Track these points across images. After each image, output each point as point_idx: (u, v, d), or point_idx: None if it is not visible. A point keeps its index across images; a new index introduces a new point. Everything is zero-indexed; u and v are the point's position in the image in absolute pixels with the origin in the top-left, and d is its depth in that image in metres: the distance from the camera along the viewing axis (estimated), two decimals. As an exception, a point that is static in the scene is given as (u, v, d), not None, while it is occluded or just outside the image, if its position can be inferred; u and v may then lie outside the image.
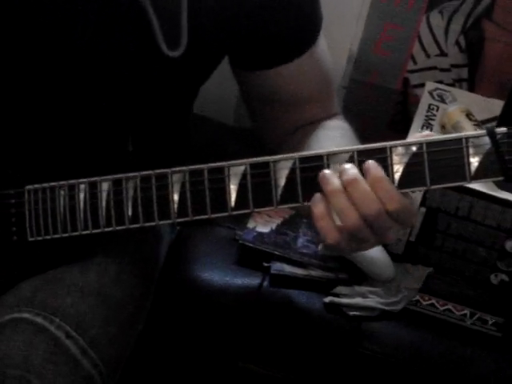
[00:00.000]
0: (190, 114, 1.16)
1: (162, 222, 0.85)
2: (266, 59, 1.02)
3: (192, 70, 0.99)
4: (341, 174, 0.77)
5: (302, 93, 1.08)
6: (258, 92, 1.08)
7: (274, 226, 1.37)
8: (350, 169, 0.77)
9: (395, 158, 0.76)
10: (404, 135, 1.34)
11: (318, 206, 0.78)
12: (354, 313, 1.25)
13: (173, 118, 1.09)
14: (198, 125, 1.27)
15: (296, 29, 1.00)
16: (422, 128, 1.34)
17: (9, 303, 0.98)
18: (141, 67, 0.94)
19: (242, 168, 0.80)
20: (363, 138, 1.59)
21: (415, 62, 1.55)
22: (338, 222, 0.78)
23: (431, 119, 1.39)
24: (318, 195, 0.78)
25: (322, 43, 1.06)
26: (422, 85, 1.50)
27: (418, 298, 1.28)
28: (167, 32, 0.87)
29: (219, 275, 1.28)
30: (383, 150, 0.76)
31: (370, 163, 0.76)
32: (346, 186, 0.76)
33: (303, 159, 0.78)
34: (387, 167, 0.76)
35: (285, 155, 0.79)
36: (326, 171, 0.77)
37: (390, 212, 0.76)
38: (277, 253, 1.30)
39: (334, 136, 1.04)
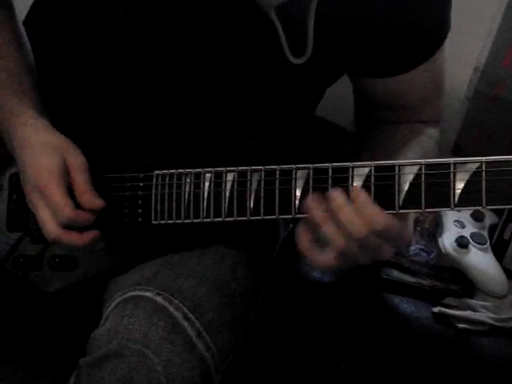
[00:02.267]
0: (312, 116, 1.17)
1: (282, 217, 0.86)
2: (390, 67, 1.02)
3: (316, 76, 1.00)
4: (328, 201, 0.81)
5: (415, 100, 1.07)
6: (373, 97, 1.08)
7: (387, 232, 1.37)
8: (338, 196, 0.81)
9: None
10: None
11: (302, 239, 0.85)
12: (463, 325, 1.23)
13: (295, 119, 1.11)
14: (318, 127, 1.29)
15: (423, 37, 0.99)
16: (547, 144, 1.31)
17: (132, 281, 1.03)
18: (267, 73, 0.97)
19: (367, 170, 0.81)
20: (485, 152, 1.58)
21: (544, 78, 1.51)
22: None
23: (557, 136, 1.36)
24: (299, 229, 0.85)
25: (443, 52, 1.05)
26: (549, 101, 1.46)
27: (530, 316, 1.25)
28: (293, 40, 0.88)
29: (329, 275, 1.29)
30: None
31: (358, 188, 0.81)
32: (335, 213, 0.80)
33: (430, 166, 0.79)
34: None
35: (411, 160, 0.80)
36: (311, 201, 0.82)
37: (377, 232, 0.80)
38: (388, 258, 1.30)
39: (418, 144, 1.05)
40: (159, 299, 0.99)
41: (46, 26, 1.06)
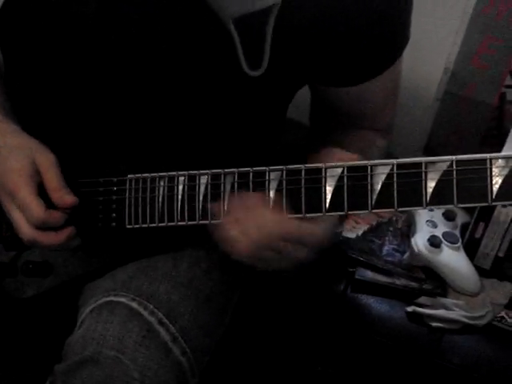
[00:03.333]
0: (281, 122, 1.16)
1: (257, 218, 0.86)
2: (349, 77, 1.01)
3: (274, 87, 0.99)
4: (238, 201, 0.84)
5: (373, 108, 1.07)
6: (331, 105, 1.08)
7: (360, 233, 1.38)
8: (250, 197, 0.84)
9: (495, 170, 0.76)
10: (499, 151, 1.32)
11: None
12: (437, 324, 1.25)
13: (261, 127, 1.10)
14: (291, 129, 1.29)
15: (383, 47, 0.98)
16: (517, 144, 1.32)
17: (106, 287, 1.03)
18: (224, 83, 0.96)
19: (339, 170, 0.81)
20: (456, 152, 1.60)
21: (513, 78, 1.53)
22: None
23: (527, 136, 1.37)
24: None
25: (401, 61, 1.03)
26: (519, 101, 1.48)
27: (503, 314, 1.27)
28: (250, 52, 0.87)
29: (303, 277, 1.30)
30: (483, 161, 0.76)
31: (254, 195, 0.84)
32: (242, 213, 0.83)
33: (401, 165, 0.79)
34: (486, 179, 0.76)
35: (383, 160, 0.80)
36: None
37: (283, 237, 0.83)
38: (362, 259, 1.31)
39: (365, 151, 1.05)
40: (134, 304, 0.99)
41: (14, 28, 1.05)
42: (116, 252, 1.03)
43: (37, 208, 0.89)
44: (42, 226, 0.91)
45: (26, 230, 0.91)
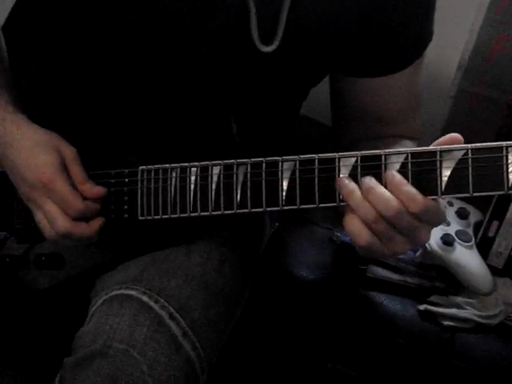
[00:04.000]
0: (295, 113, 1.16)
1: (269, 209, 0.86)
2: (371, 67, 1.01)
3: (286, 69, 0.98)
4: (360, 184, 0.79)
5: (392, 110, 1.06)
6: (351, 101, 1.07)
7: (372, 230, 1.37)
8: (369, 179, 0.79)
9: (511, 158, 0.75)
10: (511, 148, 1.32)
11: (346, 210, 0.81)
12: (449, 323, 1.23)
13: (277, 113, 1.09)
14: (302, 125, 1.28)
15: (404, 42, 0.98)
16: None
17: (117, 280, 1.02)
18: (233, 58, 0.95)
19: (353, 160, 0.81)
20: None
21: (527, 75, 1.52)
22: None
23: (540, 134, 1.36)
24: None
25: (422, 66, 1.04)
26: (533, 99, 1.47)
27: (516, 313, 1.25)
28: (263, 27, 0.86)
29: (315, 274, 1.29)
30: (499, 148, 0.75)
31: (390, 173, 0.78)
32: (366, 193, 0.78)
33: (416, 154, 0.78)
34: (502, 166, 0.74)
35: (397, 149, 0.79)
36: (343, 178, 0.80)
37: (412, 213, 0.77)
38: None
39: None
40: (145, 298, 0.98)
41: (26, 31, 1.05)
42: (128, 244, 1.03)
43: (75, 199, 0.91)
44: (80, 217, 0.92)
45: (61, 223, 0.91)
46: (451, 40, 1.50)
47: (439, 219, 0.80)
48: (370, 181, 0.79)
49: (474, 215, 1.38)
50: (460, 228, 1.33)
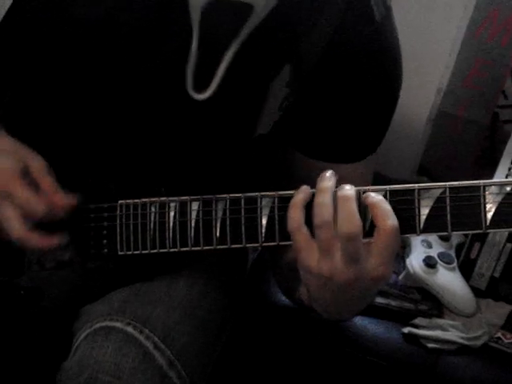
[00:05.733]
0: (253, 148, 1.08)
1: (249, 245, 0.86)
2: (322, 151, 0.97)
3: (219, 114, 0.93)
4: (339, 188, 0.77)
5: None
6: (296, 172, 1.02)
7: (355, 254, 1.37)
8: (349, 188, 0.77)
9: (488, 197, 0.75)
10: (492, 171, 1.33)
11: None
12: (433, 345, 1.24)
13: (229, 153, 1.03)
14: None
15: (365, 131, 0.96)
16: (511, 165, 1.32)
17: (101, 311, 1.03)
18: (165, 104, 0.94)
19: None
20: (449, 171, 1.61)
21: (506, 98, 1.53)
22: None
23: (520, 156, 1.37)
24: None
25: (375, 158, 1.00)
26: (512, 121, 1.49)
27: (499, 335, 1.26)
28: (200, 72, 0.83)
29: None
30: (476, 187, 0.76)
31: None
32: (338, 201, 0.76)
33: (394, 192, 0.78)
34: (480, 205, 0.75)
35: (376, 187, 0.79)
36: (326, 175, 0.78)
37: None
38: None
39: None
40: (129, 329, 0.99)
41: (10, 47, 1.05)
42: (111, 275, 1.03)
43: (37, 200, 0.88)
44: (43, 220, 0.89)
45: (18, 226, 0.89)
46: (430, 64, 1.52)
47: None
48: (348, 191, 0.77)
49: (456, 237, 1.39)
50: (442, 250, 1.35)
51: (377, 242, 0.76)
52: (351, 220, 0.75)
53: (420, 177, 1.64)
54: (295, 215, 0.79)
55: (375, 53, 0.91)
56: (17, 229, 0.89)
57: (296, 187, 0.82)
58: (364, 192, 0.79)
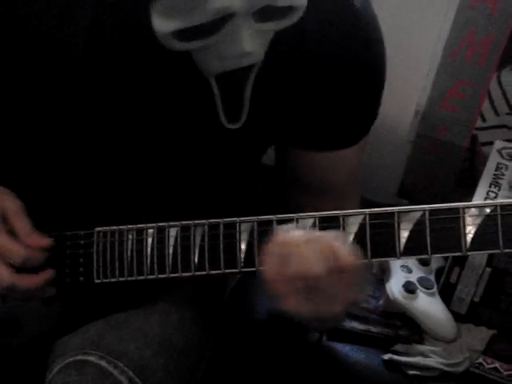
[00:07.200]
0: (256, 169, 1.15)
1: (228, 271, 0.85)
2: (320, 141, 1.01)
3: (250, 140, 0.98)
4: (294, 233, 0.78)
5: (336, 183, 1.06)
6: (295, 171, 1.07)
7: (334, 279, 1.36)
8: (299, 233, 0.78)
9: (468, 219, 0.75)
10: (471, 193, 1.33)
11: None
12: (414, 372, 1.22)
13: (238, 175, 1.09)
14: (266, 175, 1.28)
15: (358, 118, 1.00)
16: (490, 186, 1.32)
17: (75, 344, 1.00)
18: (200, 134, 0.96)
19: (311, 221, 0.80)
20: (429, 193, 1.61)
21: (484, 120, 1.53)
22: None
23: (500, 178, 1.37)
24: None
25: (367, 140, 1.05)
26: (491, 143, 1.48)
27: (480, 360, 1.24)
28: (229, 107, 0.87)
29: (278, 326, 1.27)
30: (456, 210, 0.75)
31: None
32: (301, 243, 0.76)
33: (373, 215, 0.78)
34: (459, 228, 0.74)
35: (355, 210, 0.79)
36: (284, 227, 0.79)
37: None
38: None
39: None
40: (103, 363, 0.95)
41: None
42: (85, 307, 1.00)
43: (16, 246, 0.88)
44: (23, 266, 0.89)
45: (5, 274, 0.88)
46: (408, 86, 1.52)
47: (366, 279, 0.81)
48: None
49: (436, 261, 1.38)
50: (422, 275, 1.33)
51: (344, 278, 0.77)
52: (308, 263, 0.75)
53: (400, 199, 1.63)
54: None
55: (356, 38, 0.94)
56: (3, 276, 0.89)
57: (275, 212, 0.82)
58: (343, 216, 0.79)
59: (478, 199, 1.29)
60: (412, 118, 1.57)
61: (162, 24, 0.74)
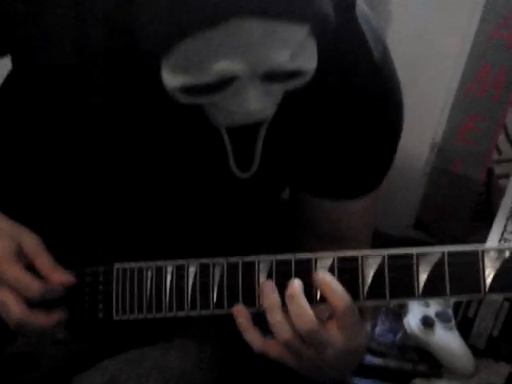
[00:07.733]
0: (272, 210, 1.15)
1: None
2: (335, 190, 1.01)
3: (262, 187, 0.99)
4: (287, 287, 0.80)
5: (349, 232, 1.06)
6: (309, 218, 1.07)
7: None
8: (294, 285, 0.80)
9: (487, 263, 0.74)
10: (488, 226, 1.32)
11: (242, 317, 0.83)
12: (432, 407, 1.22)
13: (253, 218, 1.10)
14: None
15: (371, 169, 1.00)
16: (507, 220, 1.31)
17: (93, 381, 1.00)
18: (212, 183, 0.97)
19: (330, 261, 0.80)
20: (445, 226, 1.60)
21: (500, 153, 1.53)
22: None
23: (517, 211, 1.37)
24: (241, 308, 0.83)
25: (379, 191, 1.05)
26: (507, 176, 1.47)
27: (499, 395, 1.24)
28: (240, 157, 0.88)
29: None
30: (475, 253, 0.75)
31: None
32: (287, 301, 0.80)
33: (392, 257, 0.78)
34: (479, 270, 0.74)
35: (374, 250, 0.79)
36: (267, 283, 0.82)
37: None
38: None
39: None
40: None
41: (10, 109, 1.05)
42: (103, 343, 1.00)
43: (33, 280, 0.87)
44: (39, 300, 0.88)
45: (16, 309, 0.88)
46: (423, 120, 1.53)
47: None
48: (294, 287, 0.80)
49: (453, 295, 1.37)
50: (440, 309, 1.33)
51: (335, 322, 0.80)
52: (303, 317, 0.79)
53: (416, 231, 1.63)
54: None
55: (376, 91, 0.94)
56: (14, 311, 0.88)
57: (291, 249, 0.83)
58: (362, 256, 0.79)
59: (495, 233, 1.29)
60: (428, 151, 1.58)
61: (171, 79, 0.76)
